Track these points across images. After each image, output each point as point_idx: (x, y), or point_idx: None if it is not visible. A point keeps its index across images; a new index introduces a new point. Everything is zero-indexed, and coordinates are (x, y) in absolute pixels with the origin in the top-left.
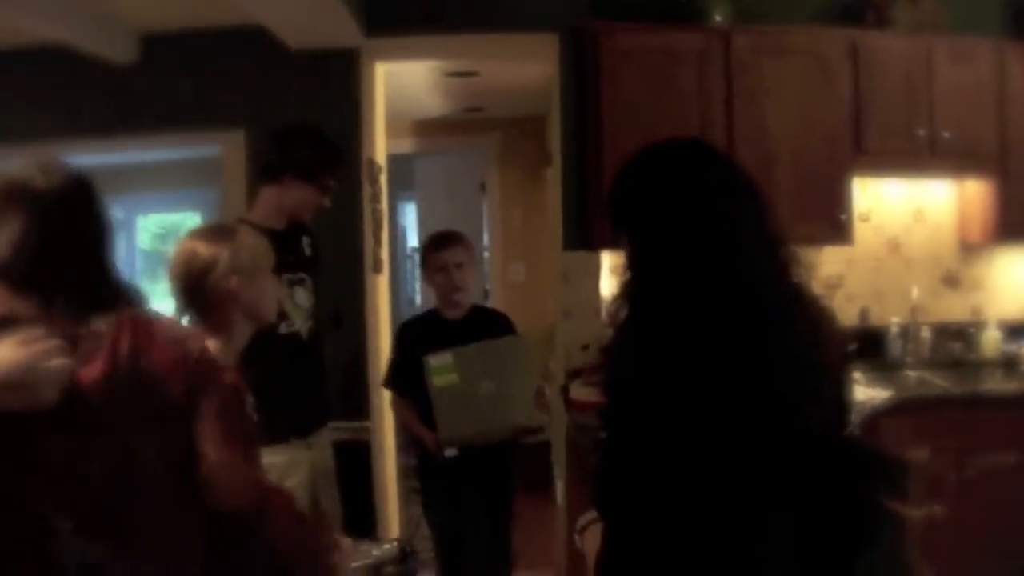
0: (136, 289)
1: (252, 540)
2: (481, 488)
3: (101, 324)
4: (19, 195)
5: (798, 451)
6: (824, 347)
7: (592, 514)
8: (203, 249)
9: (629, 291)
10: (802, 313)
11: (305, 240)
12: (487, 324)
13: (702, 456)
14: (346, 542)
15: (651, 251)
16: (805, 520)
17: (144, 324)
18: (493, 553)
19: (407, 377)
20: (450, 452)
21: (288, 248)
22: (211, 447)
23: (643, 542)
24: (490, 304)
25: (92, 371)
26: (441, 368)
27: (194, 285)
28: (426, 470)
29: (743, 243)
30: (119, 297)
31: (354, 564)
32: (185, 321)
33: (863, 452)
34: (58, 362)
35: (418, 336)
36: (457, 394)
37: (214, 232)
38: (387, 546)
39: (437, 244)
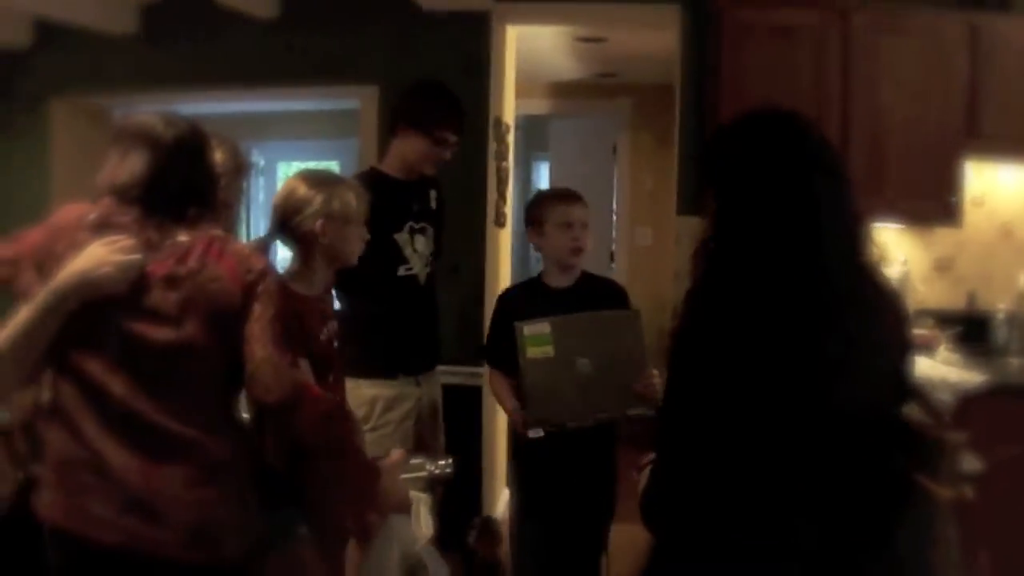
0: (233, 227)
1: (283, 428)
2: (577, 483)
3: (184, 237)
4: (143, 138)
5: (838, 418)
6: (883, 325)
7: (648, 458)
8: (303, 190)
9: (707, 247)
10: (866, 290)
11: (432, 193)
12: (598, 295)
13: (747, 409)
14: (398, 453)
15: (733, 212)
16: (837, 485)
17: (220, 242)
18: (587, 555)
19: (505, 349)
20: (535, 433)
21: (413, 198)
22: (258, 346)
23: (683, 481)
24: (615, 268)
25: (160, 269)
26: (535, 338)
27: (287, 219)
28: (517, 453)
29: (822, 216)
30: (210, 224)
31: (404, 476)
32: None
33: (905, 429)
34: (129, 258)
35: (520, 305)
36: (550, 369)
37: (318, 177)
38: (441, 462)
39: (562, 198)
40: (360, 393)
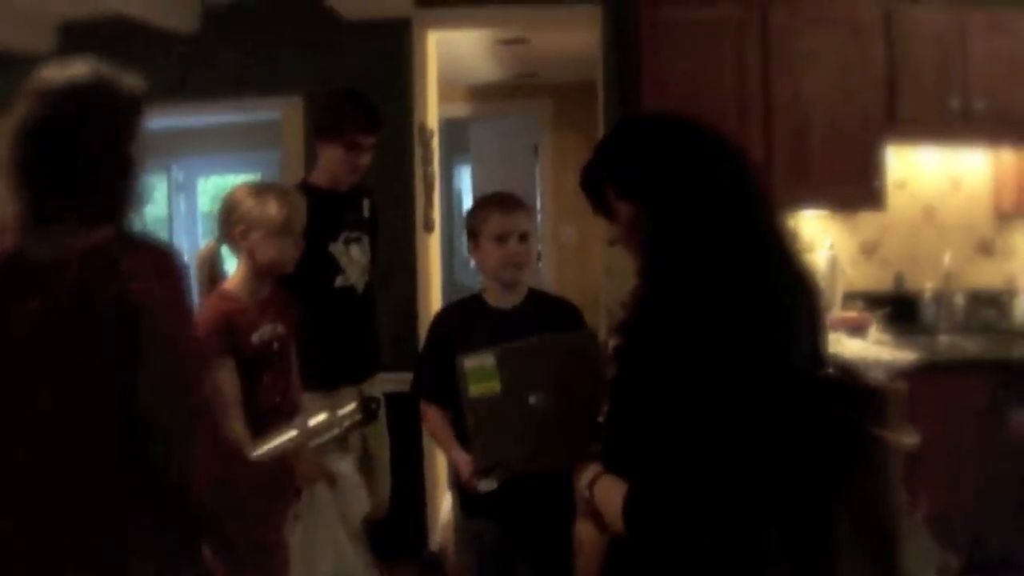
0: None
1: None
2: (531, 541)
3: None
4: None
5: (792, 386)
6: (812, 298)
7: (592, 471)
8: (235, 198)
9: (646, 250)
10: (802, 275)
11: (365, 202)
12: (547, 316)
13: (707, 392)
14: (298, 420)
15: (665, 215)
16: (800, 443)
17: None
18: None
19: (441, 380)
20: (486, 485)
21: (346, 208)
22: None
23: (675, 482)
24: (542, 267)
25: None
26: (478, 372)
27: (222, 227)
28: (464, 505)
29: (749, 208)
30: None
31: (317, 442)
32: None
33: (848, 386)
34: None
35: (456, 329)
36: (498, 408)
37: (253, 187)
38: (349, 408)
39: (497, 204)
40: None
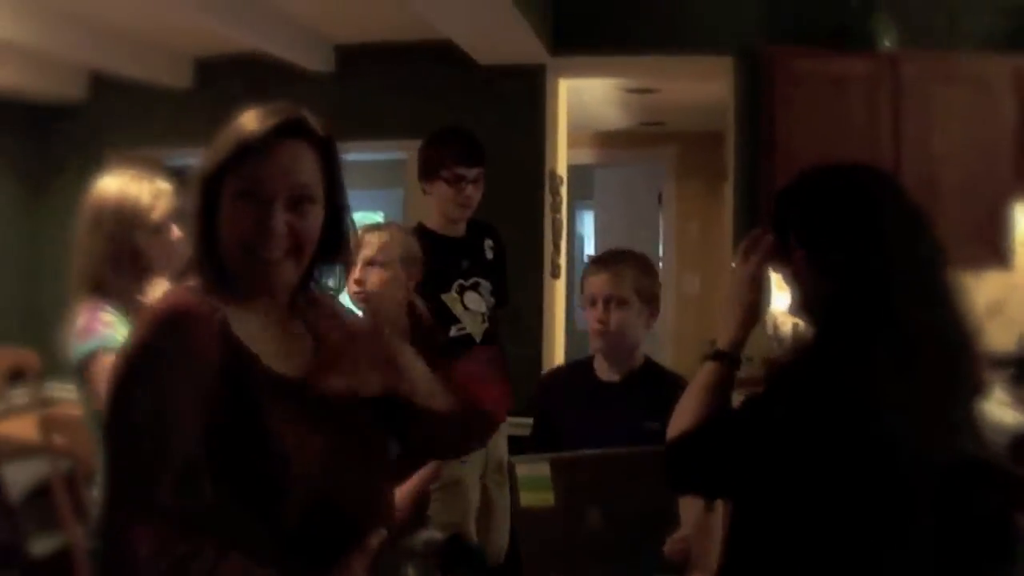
0: None
1: None
2: None
3: None
4: None
5: (934, 473)
6: (976, 372)
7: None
8: None
9: (814, 308)
10: (971, 340)
11: (487, 243)
12: (653, 395)
13: (848, 474)
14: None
15: (842, 273)
16: (942, 533)
17: None
18: None
19: (544, 445)
20: None
21: (462, 254)
22: None
23: (766, 530)
24: (664, 318)
25: None
26: (532, 480)
27: None
28: None
29: (923, 272)
30: None
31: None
32: None
33: (997, 471)
34: None
35: (560, 400)
36: (548, 522)
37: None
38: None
39: (593, 264)
40: None
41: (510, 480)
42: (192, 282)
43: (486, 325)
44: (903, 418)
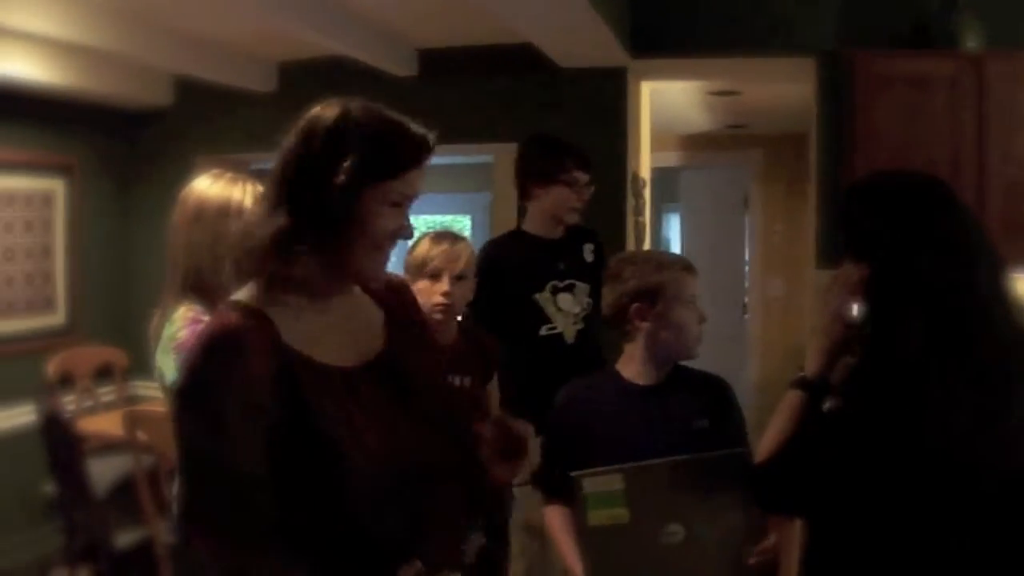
0: None
1: None
2: None
3: None
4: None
5: (996, 480)
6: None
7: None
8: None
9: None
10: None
11: (588, 247)
12: (695, 395)
13: (907, 480)
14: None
15: (894, 283)
16: (987, 540)
17: None
18: None
19: (568, 469)
20: None
21: (560, 256)
22: None
23: (844, 543)
24: (748, 318)
25: None
26: (602, 497)
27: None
28: None
29: (980, 286)
30: None
31: None
32: None
33: None
34: None
35: (590, 409)
36: (623, 541)
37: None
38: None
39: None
40: None
41: (574, 494)
42: (244, 292)
43: (580, 326)
44: (968, 426)
